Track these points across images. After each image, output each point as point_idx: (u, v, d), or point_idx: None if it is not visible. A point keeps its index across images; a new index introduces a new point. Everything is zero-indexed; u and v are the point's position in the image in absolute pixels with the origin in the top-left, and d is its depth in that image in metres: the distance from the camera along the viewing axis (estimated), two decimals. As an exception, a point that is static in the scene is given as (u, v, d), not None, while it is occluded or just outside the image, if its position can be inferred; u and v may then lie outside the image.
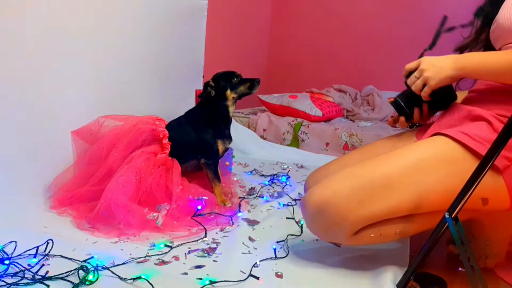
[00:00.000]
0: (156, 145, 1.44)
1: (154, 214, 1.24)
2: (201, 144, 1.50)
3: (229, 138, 1.56)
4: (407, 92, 1.15)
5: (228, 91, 1.51)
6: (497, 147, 0.83)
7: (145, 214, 1.24)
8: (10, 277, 0.94)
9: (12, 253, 1.03)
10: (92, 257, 1.05)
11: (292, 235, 1.25)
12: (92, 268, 0.98)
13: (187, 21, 2.06)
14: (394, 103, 1.18)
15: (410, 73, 1.08)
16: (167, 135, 1.45)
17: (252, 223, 1.34)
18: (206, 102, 1.54)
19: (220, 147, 1.52)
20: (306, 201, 1.00)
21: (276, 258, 1.11)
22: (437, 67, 1.01)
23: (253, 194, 1.60)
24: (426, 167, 0.96)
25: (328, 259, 1.12)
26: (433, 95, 1.05)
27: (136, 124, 1.48)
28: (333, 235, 1.00)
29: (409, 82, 1.07)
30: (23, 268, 0.97)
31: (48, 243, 1.07)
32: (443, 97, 1.11)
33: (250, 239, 1.22)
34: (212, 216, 1.35)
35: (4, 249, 1.05)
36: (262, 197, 1.58)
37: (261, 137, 2.48)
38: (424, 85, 1.04)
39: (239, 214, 1.39)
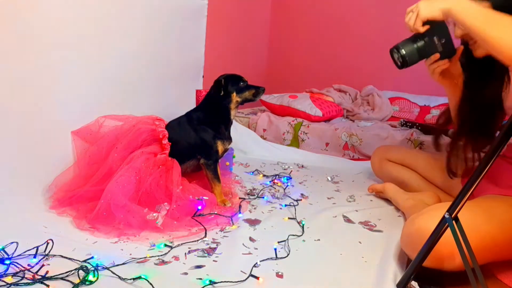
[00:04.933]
0: (155, 146, 1.45)
1: (154, 214, 1.24)
2: (201, 144, 1.50)
3: (229, 139, 1.56)
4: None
5: (234, 94, 1.51)
6: (498, 146, 0.83)
7: (145, 214, 1.24)
8: (10, 277, 0.94)
9: (12, 254, 1.03)
10: (92, 257, 1.04)
11: (293, 235, 1.25)
12: (92, 268, 0.98)
13: (187, 21, 2.06)
14: (397, 51, 1.19)
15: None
16: (167, 136, 1.45)
17: (253, 223, 1.34)
18: (208, 103, 1.54)
19: (220, 147, 1.52)
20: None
21: (276, 258, 1.11)
22: (431, 1, 1.08)
23: (254, 195, 1.60)
24: None
25: (328, 259, 1.12)
26: (426, 34, 1.12)
27: (135, 124, 1.48)
28: None
29: (405, 19, 1.14)
30: (23, 268, 0.97)
31: (48, 243, 1.08)
32: (437, 34, 1.14)
33: (251, 239, 1.22)
34: (212, 216, 1.34)
35: (5, 250, 1.04)
36: (263, 197, 1.58)
37: (261, 137, 2.48)
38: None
39: (239, 215, 1.39)
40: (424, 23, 1.11)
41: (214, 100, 1.51)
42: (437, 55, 1.18)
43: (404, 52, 1.17)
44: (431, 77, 1.28)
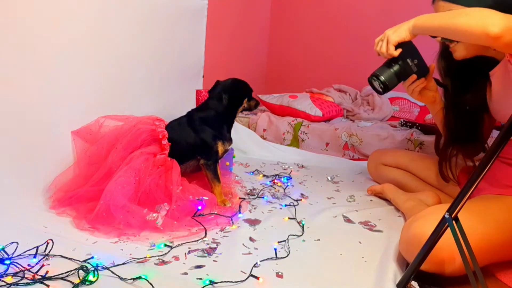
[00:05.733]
0: (155, 146, 1.44)
1: (154, 215, 1.24)
2: (201, 144, 1.50)
3: (229, 140, 1.57)
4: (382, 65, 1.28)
5: (246, 99, 1.58)
6: (497, 147, 0.83)
7: (144, 214, 1.24)
8: (10, 277, 0.94)
9: (12, 254, 1.03)
10: (92, 257, 1.05)
11: (293, 235, 1.25)
12: (92, 268, 0.98)
13: (187, 21, 2.06)
14: (376, 79, 1.26)
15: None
16: (166, 136, 1.44)
17: (253, 223, 1.34)
18: (214, 104, 1.54)
19: (220, 148, 1.52)
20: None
21: (276, 258, 1.11)
22: (395, 27, 1.18)
23: (254, 195, 1.60)
24: None
25: (328, 259, 1.12)
26: (400, 57, 1.20)
27: (135, 125, 1.47)
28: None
29: (376, 48, 1.22)
30: (23, 268, 0.97)
31: (48, 243, 1.07)
32: (409, 56, 1.22)
33: (251, 239, 1.22)
34: (212, 216, 1.34)
35: (5, 250, 1.04)
36: (263, 197, 1.58)
37: (261, 137, 2.47)
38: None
39: (240, 215, 1.39)
40: (396, 47, 1.18)
41: (228, 101, 1.53)
42: (414, 76, 1.25)
43: (383, 79, 1.24)
44: (411, 97, 1.35)
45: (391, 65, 1.23)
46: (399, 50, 1.18)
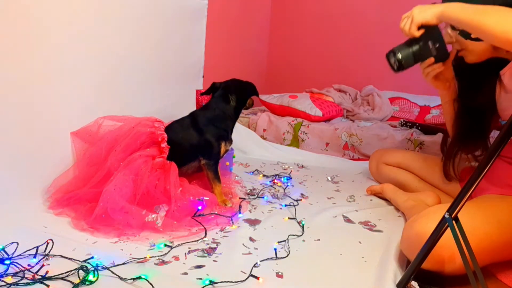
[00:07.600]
0: (154, 148, 1.43)
1: (153, 216, 1.24)
2: (204, 144, 1.50)
3: (231, 140, 1.57)
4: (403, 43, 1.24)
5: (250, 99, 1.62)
6: (498, 146, 0.83)
7: (143, 216, 1.23)
8: (10, 277, 0.94)
9: (12, 254, 1.03)
10: (92, 257, 1.05)
11: (293, 235, 1.25)
12: (92, 268, 0.98)
13: (187, 21, 2.06)
14: (393, 55, 1.23)
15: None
16: (166, 139, 1.44)
17: (253, 223, 1.34)
18: (219, 105, 1.55)
19: (222, 148, 1.52)
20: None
21: (276, 258, 1.11)
22: (424, 7, 1.13)
23: (254, 195, 1.60)
24: None
25: (328, 259, 1.12)
26: (421, 38, 1.17)
27: (134, 126, 1.47)
28: None
29: (401, 25, 1.18)
30: (23, 268, 0.97)
31: (48, 243, 1.08)
32: (431, 39, 1.18)
33: (251, 239, 1.22)
34: (212, 216, 1.34)
35: (5, 250, 1.04)
36: (263, 197, 1.58)
37: (261, 137, 2.47)
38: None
39: (240, 215, 1.39)
40: (419, 28, 1.15)
41: (236, 102, 1.56)
42: (432, 59, 1.22)
43: (400, 56, 1.21)
44: (424, 79, 1.32)
45: (411, 45, 1.20)
46: (421, 31, 1.15)
